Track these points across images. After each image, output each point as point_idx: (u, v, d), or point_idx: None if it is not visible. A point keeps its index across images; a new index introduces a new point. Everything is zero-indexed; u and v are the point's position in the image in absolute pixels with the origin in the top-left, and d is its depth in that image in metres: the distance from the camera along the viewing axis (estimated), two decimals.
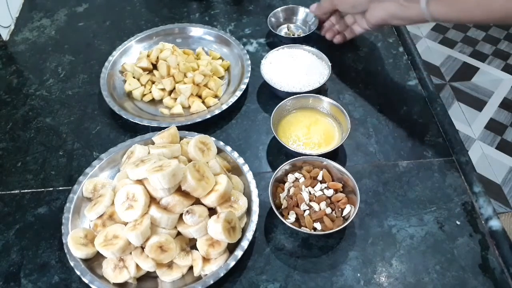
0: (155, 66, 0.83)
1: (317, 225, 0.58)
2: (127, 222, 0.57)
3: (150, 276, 0.57)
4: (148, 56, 0.84)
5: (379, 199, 0.65)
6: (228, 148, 0.67)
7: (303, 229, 0.58)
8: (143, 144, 0.66)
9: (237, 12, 0.99)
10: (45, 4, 1.04)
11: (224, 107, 0.75)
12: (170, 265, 0.57)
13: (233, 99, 0.76)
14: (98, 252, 0.56)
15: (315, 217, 0.59)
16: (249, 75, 0.80)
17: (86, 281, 0.55)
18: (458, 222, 0.62)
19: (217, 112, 0.74)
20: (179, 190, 0.57)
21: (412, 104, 0.78)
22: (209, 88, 0.79)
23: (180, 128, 0.69)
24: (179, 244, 0.57)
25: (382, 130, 0.74)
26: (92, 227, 0.60)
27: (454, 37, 2.26)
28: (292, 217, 0.59)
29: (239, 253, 0.56)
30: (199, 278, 0.56)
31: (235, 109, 0.78)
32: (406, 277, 0.57)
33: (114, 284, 0.55)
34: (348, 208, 0.59)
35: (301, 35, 0.90)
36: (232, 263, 0.56)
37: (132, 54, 0.87)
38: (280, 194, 0.62)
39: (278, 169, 0.62)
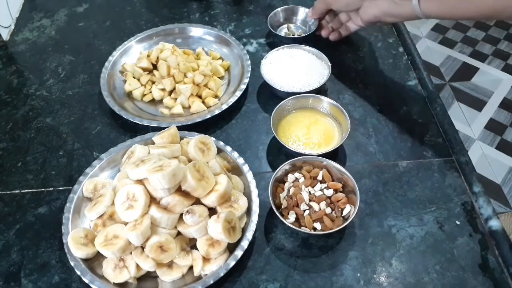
0: (155, 66, 0.83)
1: (317, 225, 0.58)
2: (127, 222, 0.57)
3: (150, 276, 0.57)
4: (148, 56, 0.84)
5: (379, 199, 0.65)
6: (228, 148, 0.67)
7: (303, 229, 0.58)
8: (143, 144, 0.67)
9: (237, 12, 0.99)
10: (45, 4, 1.04)
11: (224, 107, 0.75)
12: (170, 265, 0.57)
13: (233, 99, 0.76)
14: (98, 252, 0.56)
15: (315, 217, 0.59)
16: (249, 75, 0.80)
17: (86, 281, 0.55)
18: (458, 222, 0.62)
19: (217, 112, 0.74)
20: (179, 190, 0.57)
21: (412, 104, 0.78)
22: (209, 88, 0.79)
23: (180, 128, 0.69)
24: (179, 244, 0.57)
25: (382, 130, 0.74)
26: (92, 227, 0.60)
27: (454, 37, 2.26)
28: (292, 217, 0.59)
29: (239, 253, 0.56)
30: (199, 278, 0.56)
31: (235, 109, 0.78)
32: (406, 277, 0.57)
33: (114, 284, 0.55)
34: (348, 208, 0.59)
35: (301, 35, 0.90)
36: (232, 263, 0.56)
37: (132, 54, 0.87)
38: (280, 194, 0.62)
39: (278, 169, 0.62)
